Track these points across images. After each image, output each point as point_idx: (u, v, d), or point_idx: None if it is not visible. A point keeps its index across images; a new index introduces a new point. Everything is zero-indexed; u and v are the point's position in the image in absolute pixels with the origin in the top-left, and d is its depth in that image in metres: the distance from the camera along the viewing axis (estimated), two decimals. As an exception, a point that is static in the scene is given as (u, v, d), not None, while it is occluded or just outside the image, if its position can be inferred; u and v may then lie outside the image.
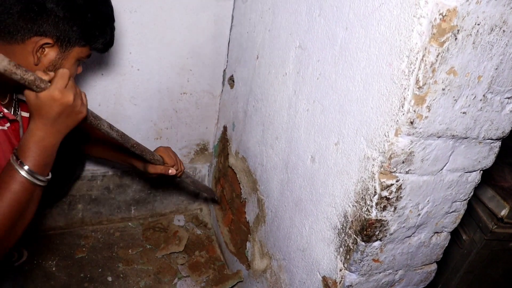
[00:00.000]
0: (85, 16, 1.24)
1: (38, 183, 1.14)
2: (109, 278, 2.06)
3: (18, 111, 1.39)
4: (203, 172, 2.55)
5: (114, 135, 1.45)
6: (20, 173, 1.11)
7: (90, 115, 1.28)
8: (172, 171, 1.74)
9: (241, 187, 2.00)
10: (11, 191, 1.12)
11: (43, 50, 1.21)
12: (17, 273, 1.79)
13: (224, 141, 2.27)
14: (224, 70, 2.24)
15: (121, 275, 2.09)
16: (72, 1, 1.20)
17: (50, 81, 1.09)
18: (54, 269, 2.04)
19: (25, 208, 1.16)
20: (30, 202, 1.16)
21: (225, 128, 2.26)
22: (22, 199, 1.14)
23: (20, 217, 1.16)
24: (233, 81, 2.10)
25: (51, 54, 1.22)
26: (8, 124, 1.32)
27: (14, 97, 1.37)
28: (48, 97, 1.09)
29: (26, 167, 1.12)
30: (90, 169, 2.25)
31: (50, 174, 1.21)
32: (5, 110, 1.28)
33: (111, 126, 1.43)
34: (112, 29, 1.39)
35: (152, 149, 1.68)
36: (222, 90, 2.29)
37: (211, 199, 2.50)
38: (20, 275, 1.92)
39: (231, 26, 2.11)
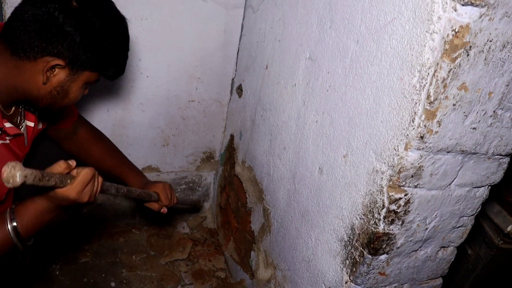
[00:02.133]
0: (101, 44, 1.24)
1: (16, 242, 1.17)
2: (112, 284, 2.06)
3: (23, 122, 1.39)
4: (208, 180, 2.55)
5: (120, 195, 1.52)
6: (7, 225, 1.15)
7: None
8: (164, 210, 1.83)
9: (247, 196, 2.00)
10: None
11: (53, 70, 1.21)
12: (20, 276, 1.79)
13: (230, 149, 2.28)
14: (233, 79, 2.25)
15: (124, 281, 2.09)
16: (91, 27, 1.20)
17: (70, 175, 1.13)
18: (57, 273, 2.04)
19: None
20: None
21: (232, 136, 2.26)
22: None
23: None
24: (242, 90, 2.11)
25: (60, 75, 1.23)
26: (10, 137, 1.31)
27: (20, 108, 1.36)
28: (64, 195, 1.13)
29: (14, 224, 1.16)
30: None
31: (32, 240, 1.24)
32: (7, 125, 1.28)
33: (117, 189, 1.47)
34: (125, 59, 1.39)
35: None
36: (230, 98, 2.30)
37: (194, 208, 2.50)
38: (23, 278, 1.93)
39: (241, 35, 2.12)
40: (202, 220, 2.60)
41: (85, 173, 1.16)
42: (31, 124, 1.43)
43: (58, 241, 2.18)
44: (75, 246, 2.20)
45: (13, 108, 1.33)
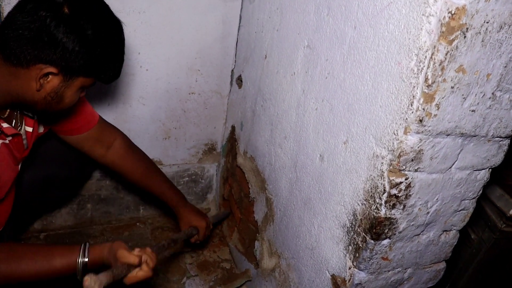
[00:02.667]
0: (95, 51, 1.22)
1: (78, 274, 1.33)
2: (119, 277, 2.07)
3: (21, 125, 1.39)
4: (211, 171, 2.56)
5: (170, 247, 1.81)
6: (78, 258, 1.33)
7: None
8: (197, 242, 2.00)
9: (249, 186, 2.01)
10: (51, 264, 1.31)
11: (47, 77, 1.20)
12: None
13: (232, 140, 2.28)
14: (232, 70, 2.25)
15: (131, 274, 2.10)
16: (83, 35, 1.18)
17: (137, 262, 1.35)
18: (63, 268, 2.05)
19: (35, 278, 1.31)
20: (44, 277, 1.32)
21: (233, 127, 2.27)
22: (47, 275, 1.31)
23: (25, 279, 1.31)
24: (241, 81, 2.11)
25: (54, 81, 1.22)
26: (10, 138, 1.32)
27: (16, 112, 1.36)
28: (133, 279, 1.34)
29: (85, 259, 1.34)
30: (99, 169, 2.26)
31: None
32: (4, 125, 1.28)
33: (167, 248, 1.71)
34: (120, 63, 1.37)
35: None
36: (230, 90, 2.30)
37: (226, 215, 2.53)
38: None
39: (239, 26, 2.12)
40: (206, 212, 2.60)
41: (148, 255, 1.39)
42: (30, 129, 1.43)
43: (63, 236, 2.19)
44: (80, 241, 2.21)
45: (8, 111, 1.32)
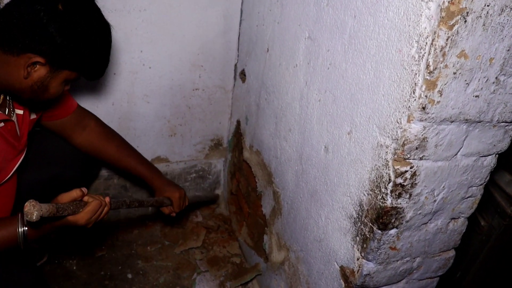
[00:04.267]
0: (81, 48, 1.30)
1: (20, 244, 1.31)
2: (129, 275, 2.08)
3: (12, 111, 1.44)
4: (218, 167, 2.56)
5: (133, 207, 1.70)
6: (18, 228, 1.29)
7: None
8: (173, 214, 1.97)
9: (256, 180, 2.00)
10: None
11: (35, 66, 1.27)
12: (39, 273, 1.82)
13: (237, 135, 2.28)
14: (235, 65, 2.24)
15: (141, 272, 2.11)
16: (73, 32, 1.26)
17: (81, 203, 1.33)
18: (74, 267, 2.07)
19: None
20: None
21: (238, 122, 2.26)
22: None
23: None
24: (245, 75, 2.10)
25: (41, 71, 1.29)
26: (1, 124, 1.37)
27: (7, 98, 1.42)
28: (73, 222, 1.33)
29: (25, 228, 1.30)
30: (107, 168, 2.27)
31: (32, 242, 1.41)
32: None
33: (129, 205, 1.65)
34: (105, 63, 1.45)
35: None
36: (234, 84, 2.29)
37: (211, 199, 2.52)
38: (42, 274, 1.96)
39: (240, 20, 2.11)
40: (214, 208, 2.61)
41: (94, 204, 1.36)
42: (20, 111, 1.48)
43: (73, 236, 2.20)
44: (90, 240, 2.23)
45: (1, 97, 1.39)
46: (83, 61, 1.34)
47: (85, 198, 1.35)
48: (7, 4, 1.24)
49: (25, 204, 1.12)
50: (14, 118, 1.43)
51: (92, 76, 1.44)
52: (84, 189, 1.35)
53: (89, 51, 1.33)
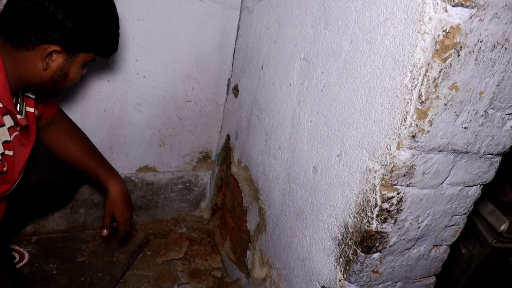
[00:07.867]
0: (92, 27, 1.33)
1: None
2: (109, 283, 2.07)
3: (23, 107, 1.46)
4: (205, 179, 2.56)
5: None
6: None
7: None
8: (104, 233, 1.81)
9: (242, 195, 2.01)
10: None
11: (51, 56, 1.29)
12: (18, 275, 1.81)
13: (227, 149, 2.29)
14: (229, 79, 2.26)
15: (121, 280, 2.09)
16: (80, 13, 1.28)
17: None
18: (54, 272, 2.05)
19: None
20: None
21: (228, 136, 2.27)
22: None
23: None
24: (237, 90, 2.12)
25: (58, 59, 1.31)
26: (19, 128, 1.39)
27: (19, 94, 1.43)
28: None
29: None
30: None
31: None
32: (18, 117, 1.35)
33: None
34: (116, 36, 1.47)
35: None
36: (226, 99, 2.31)
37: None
38: (21, 277, 1.93)
39: (237, 36, 2.13)
40: (198, 220, 2.61)
41: None
42: (31, 110, 1.49)
43: (55, 240, 2.19)
44: (72, 245, 2.21)
45: (14, 98, 1.39)
46: (96, 38, 1.36)
47: None
48: (8, 1, 1.25)
49: None
50: (24, 115, 1.44)
51: (107, 51, 1.46)
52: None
53: (99, 28, 1.35)
